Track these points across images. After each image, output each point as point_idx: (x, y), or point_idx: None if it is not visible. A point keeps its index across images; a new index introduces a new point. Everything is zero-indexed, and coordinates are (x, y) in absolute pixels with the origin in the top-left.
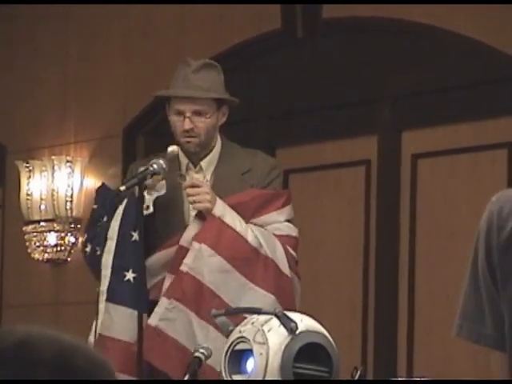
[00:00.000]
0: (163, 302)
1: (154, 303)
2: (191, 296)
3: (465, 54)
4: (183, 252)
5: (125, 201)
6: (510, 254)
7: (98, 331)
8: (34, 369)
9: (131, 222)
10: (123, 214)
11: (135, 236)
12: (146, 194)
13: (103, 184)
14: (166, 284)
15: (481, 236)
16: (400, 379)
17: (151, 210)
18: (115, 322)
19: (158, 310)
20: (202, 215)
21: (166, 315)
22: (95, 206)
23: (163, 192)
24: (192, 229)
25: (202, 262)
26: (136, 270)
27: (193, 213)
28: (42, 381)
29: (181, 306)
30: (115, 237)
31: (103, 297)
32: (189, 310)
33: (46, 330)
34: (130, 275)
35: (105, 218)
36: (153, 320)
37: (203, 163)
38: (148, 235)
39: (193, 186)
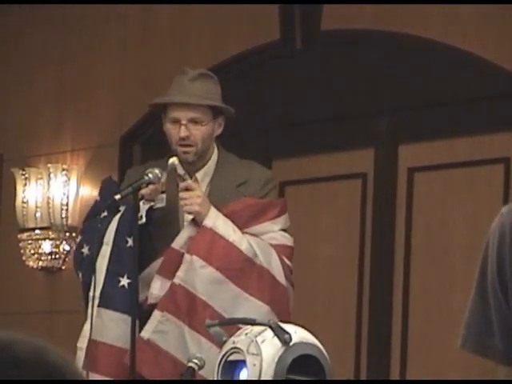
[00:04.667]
0: (156, 315)
1: (150, 312)
2: (184, 308)
3: (462, 69)
4: (173, 254)
5: (122, 208)
6: None
7: (89, 336)
8: (11, 370)
9: (127, 228)
10: (119, 220)
11: (130, 242)
12: (141, 203)
13: (110, 177)
14: (155, 285)
15: (491, 248)
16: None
17: (144, 220)
18: (108, 327)
19: (151, 323)
20: (196, 221)
21: (159, 328)
22: (98, 198)
23: (162, 205)
24: (185, 233)
25: (194, 273)
26: (130, 275)
27: None
28: (28, 381)
29: (173, 319)
30: (111, 242)
31: (95, 301)
32: (181, 322)
33: (11, 332)
34: (124, 281)
35: (103, 214)
36: (145, 333)
37: (199, 174)
38: (141, 246)
39: (186, 189)
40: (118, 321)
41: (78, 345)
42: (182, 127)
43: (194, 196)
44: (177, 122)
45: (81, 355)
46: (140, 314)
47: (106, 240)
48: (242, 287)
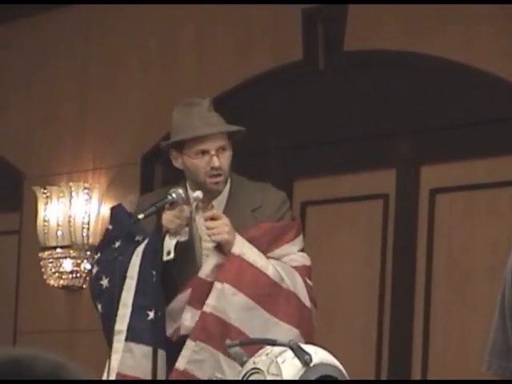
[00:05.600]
0: (189, 345)
1: (179, 344)
2: (217, 336)
3: (485, 90)
4: (201, 284)
5: (139, 237)
6: None
7: (117, 370)
8: None
9: (152, 261)
10: (144, 253)
11: (155, 275)
12: (168, 237)
13: (120, 205)
14: (186, 316)
15: (508, 272)
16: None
17: (172, 255)
18: (140, 361)
19: (185, 353)
20: (220, 248)
21: (194, 357)
22: (110, 227)
23: (185, 238)
24: (211, 261)
25: (226, 301)
26: (158, 309)
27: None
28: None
29: (207, 347)
30: (135, 276)
31: (121, 336)
32: (215, 350)
33: (33, 349)
34: (152, 314)
35: (118, 243)
36: (180, 364)
37: (215, 202)
38: (164, 279)
39: (212, 219)
40: (149, 355)
41: (104, 378)
42: (214, 157)
43: (222, 225)
44: (205, 153)
45: None
46: (167, 347)
47: (129, 274)
48: (271, 312)
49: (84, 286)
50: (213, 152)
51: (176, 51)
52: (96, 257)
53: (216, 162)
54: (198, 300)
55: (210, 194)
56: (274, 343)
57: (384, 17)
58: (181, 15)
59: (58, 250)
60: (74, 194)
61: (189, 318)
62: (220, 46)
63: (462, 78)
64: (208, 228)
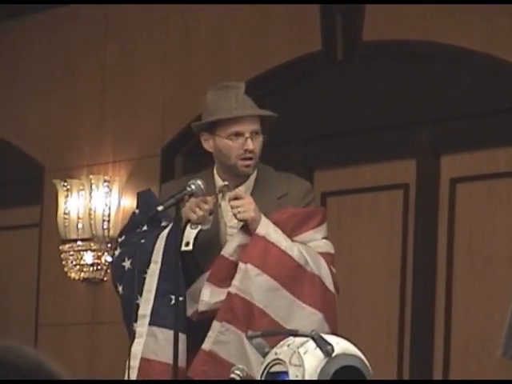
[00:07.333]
0: (215, 326)
1: (200, 324)
2: (242, 317)
3: (504, 79)
4: (223, 262)
5: (164, 222)
6: None
7: (142, 355)
8: None
9: (175, 245)
10: (167, 239)
11: (177, 260)
12: (188, 227)
13: (148, 190)
14: (205, 292)
15: None
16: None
17: (190, 247)
18: (163, 346)
19: (212, 334)
20: (245, 229)
21: (219, 338)
22: (137, 211)
23: (208, 227)
24: (234, 241)
25: (250, 281)
26: (179, 293)
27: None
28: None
29: (233, 328)
30: (159, 260)
31: (144, 320)
32: (240, 331)
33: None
34: (174, 299)
35: (145, 227)
36: (207, 345)
37: (241, 188)
38: (186, 266)
39: (236, 198)
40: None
41: (131, 364)
42: (248, 140)
43: (247, 203)
44: (239, 135)
45: (133, 375)
46: (187, 330)
47: (153, 258)
48: (294, 294)
49: (105, 279)
50: (247, 135)
51: (195, 43)
52: (120, 240)
53: (250, 145)
54: (219, 278)
55: (238, 179)
56: (295, 334)
57: (402, 6)
58: (200, 7)
59: (79, 242)
60: (94, 186)
61: (208, 294)
62: (239, 37)
63: (481, 67)
64: (233, 207)
